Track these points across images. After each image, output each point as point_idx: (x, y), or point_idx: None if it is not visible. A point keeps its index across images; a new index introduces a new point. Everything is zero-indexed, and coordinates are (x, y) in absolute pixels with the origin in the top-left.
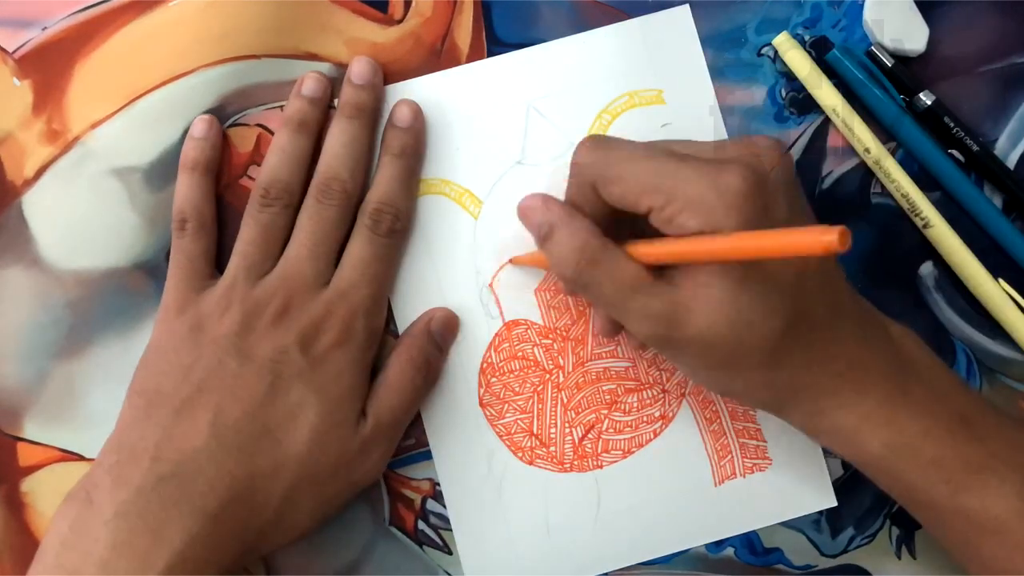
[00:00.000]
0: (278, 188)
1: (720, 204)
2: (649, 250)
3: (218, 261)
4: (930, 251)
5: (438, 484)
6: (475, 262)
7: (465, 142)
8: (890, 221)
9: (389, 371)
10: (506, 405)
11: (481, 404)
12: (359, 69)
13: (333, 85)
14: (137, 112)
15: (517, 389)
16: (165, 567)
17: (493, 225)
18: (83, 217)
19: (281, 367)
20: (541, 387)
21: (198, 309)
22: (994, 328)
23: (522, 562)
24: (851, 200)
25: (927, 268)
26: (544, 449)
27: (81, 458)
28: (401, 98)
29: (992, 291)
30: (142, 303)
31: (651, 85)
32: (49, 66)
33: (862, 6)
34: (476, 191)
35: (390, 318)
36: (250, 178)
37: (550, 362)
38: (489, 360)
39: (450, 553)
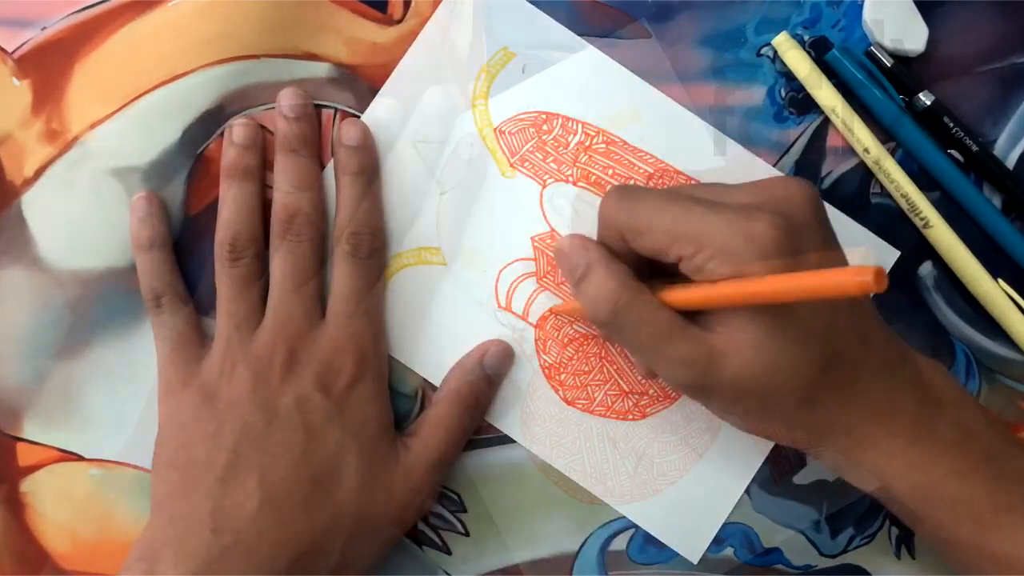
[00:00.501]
0: (242, 240)
1: (750, 252)
2: (681, 296)
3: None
4: (930, 251)
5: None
6: (472, 298)
7: (394, 203)
8: (890, 221)
9: (437, 408)
10: (589, 388)
11: (568, 402)
12: (288, 101)
13: (262, 129)
14: (137, 112)
15: (586, 368)
16: None
17: (462, 257)
18: (82, 217)
19: (308, 416)
20: (603, 352)
21: (202, 378)
22: (994, 328)
23: None
24: (851, 200)
25: (927, 268)
26: (646, 396)
27: (80, 458)
28: (348, 119)
29: (992, 291)
30: (142, 303)
31: (493, 50)
32: (48, 66)
33: (862, 6)
34: (427, 243)
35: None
36: None
37: (593, 329)
38: (546, 363)
39: (450, 553)
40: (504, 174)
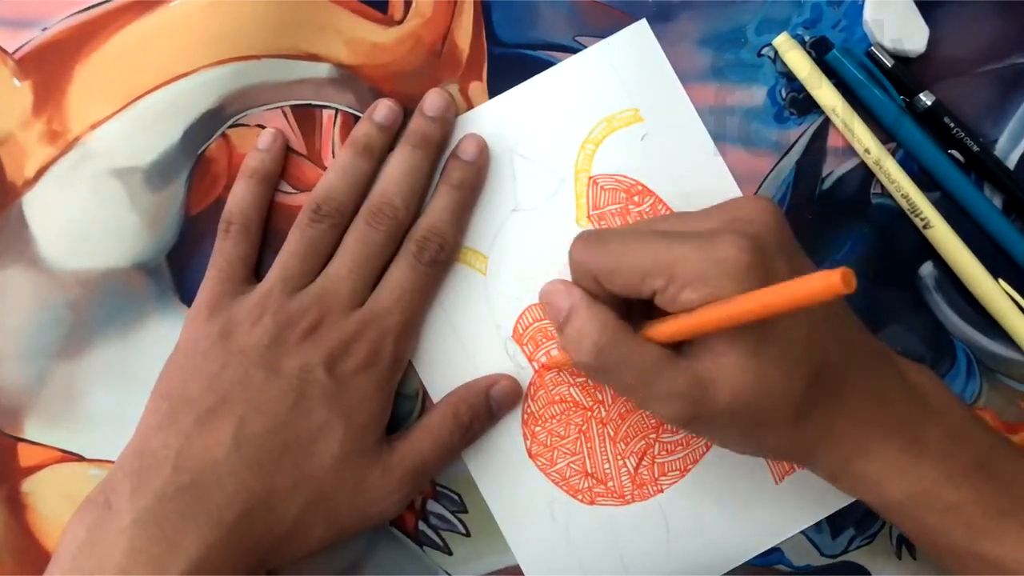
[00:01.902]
0: (330, 206)
1: (721, 277)
2: (663, 329)
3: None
4: (930, 251)
5: (439, 485)
6: (493, 317)
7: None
8: (890, 221)
9: (432, 417)
10: (555, 451)
11: (530, 455)
12: (433, 101)
13: (405, 115)
14: (137, 112)
15: (562, 433)
16: (181, 575)
17: (503, 276)
18: (83, 217)
19: (306, 385)
20: (585, 426)
21: (230, 314)
22: (994, 328)
23: None
24: (851, 200)
25: (927, 268)
26: (603, 486)
27: (81, 458)
28: (470, 133)
29: (992, 291)
30: (142, 303)
31: (626, 106)
32: (49, 67)
33: (862, 6)
34: (479, 247)
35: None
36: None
37: (589, 399)
38: (528, 410)
39: (450, 554)
40: (578, 221)
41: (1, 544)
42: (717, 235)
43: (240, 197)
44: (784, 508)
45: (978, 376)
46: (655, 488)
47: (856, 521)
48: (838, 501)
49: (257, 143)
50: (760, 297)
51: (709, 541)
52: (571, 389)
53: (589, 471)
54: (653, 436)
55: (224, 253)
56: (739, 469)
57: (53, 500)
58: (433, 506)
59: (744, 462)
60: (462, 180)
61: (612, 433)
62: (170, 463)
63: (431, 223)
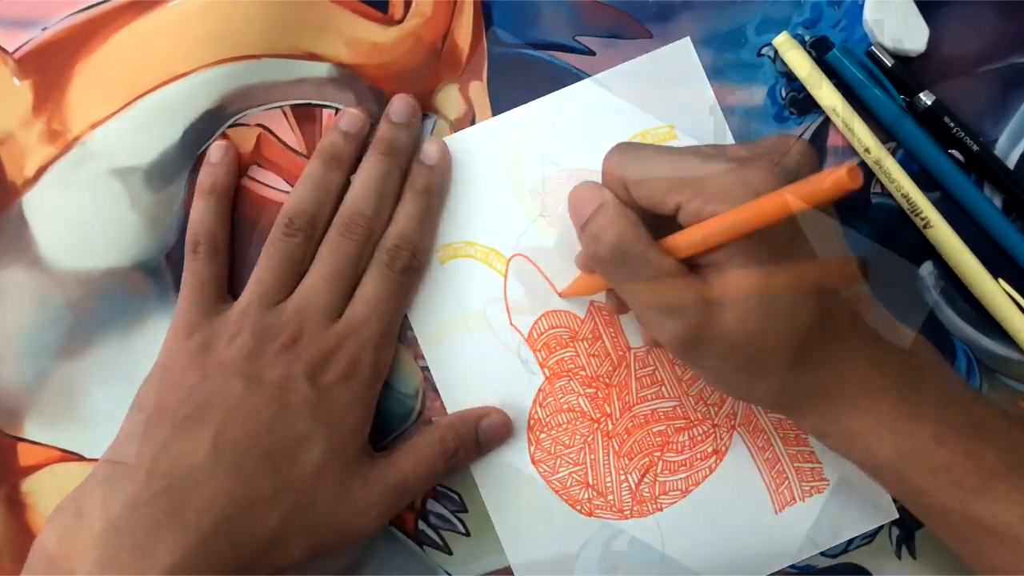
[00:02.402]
0: (302, 219)
1: (747, 196)
2: (681, 239)
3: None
4: (930, 251)
5: (439, 485)
6: (509, 319)
7: (485, 201)
8: (890, 221)
9: (418, 441)
10: (559, 460)
11: (533, 462)
12: (399, 107)
13: (373, 121)
14: (137, 112)
15: (567, 442)
16: None
17: (522, 280)
18: (83, 217)
19: (288, 395)
20: (591, 437)
21: (208, 331)
22: (994, 328)
23: None
24: (851, 200)
25: (927, 268)
26: (602, 499)
27: (81, 458)
28: (432, 137)
29: (992, 291)
30: (142, 303)
31: (663, 121)
32: (49, 66)
33: (862, 6)
34: (501, 249)
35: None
36: (250, 178)
37: (597, 411)
38: (536, 416)
39: (450, 553)
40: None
41: (1, 544)
42: (750, 160)
43: (202, 216)
44: (781, 538)
45: (978, 376)
46: (654, 506)
47: None
48: (835, 535)
49: (208, 157)
50: (771, 200)
51: (703, 564)
52: (580, 399)
53: (590, 483)
54: (658, 454)
55: (196, 273)
56: (741, 495)
57: (53, 500)
58: (433, 506)
59: (746, 488)
60: (427, 185)
61: (617, 447)
62: (144, 469)
63: (400, 231)
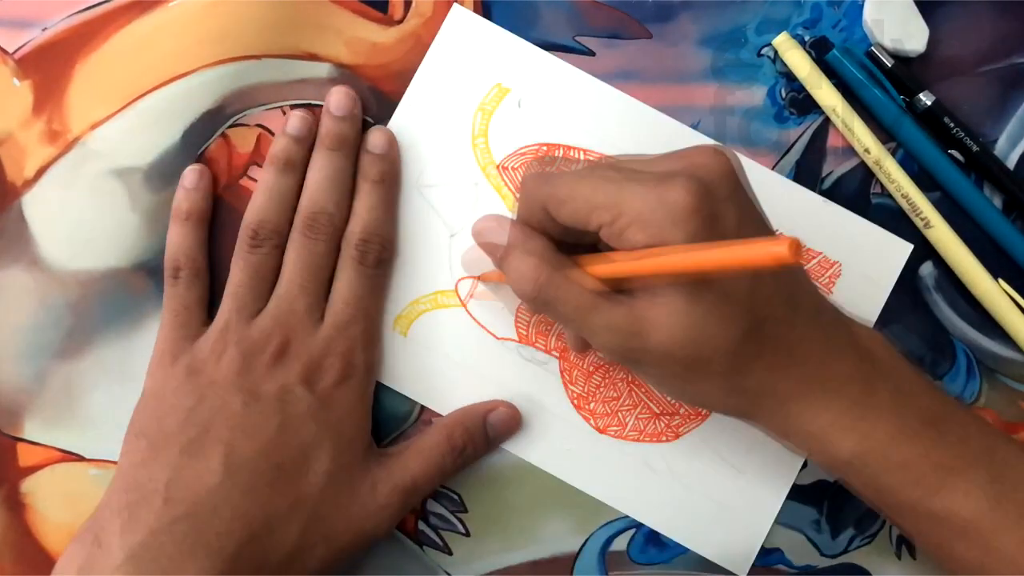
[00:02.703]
0: (267, 229)
1: (667, 219)
2: (602, 268)
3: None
4: (930, 251)
5: (439, 485)
6: (494, 340)
7: (401, 251)
8: (890, 221)
9: (426, 440)
10: (619, 414)
11: (602, 431)
12: (339, 100)
13: (319, 122)
14: (137, 112)
15: (615, 395)
16: None
17: (483, 300)
18: (83, 217)
19: (288, 406)
20: (630, 376)
21: (194, 355)
22: (994, 328)
23: None
24: (851, 200)
25: (927, 268)
26: (678, 416)
27: (81, 458)
28: (375, 126)
29: (992, 291)
30: (142, 303)
31: (487, 86)
32: (49, 66)
33: (862, 6)
34: (442, 286)
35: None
36: (250, 179)
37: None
38: (574, 393)
39: (450, 553)
40: (512, 210)
41: (1, 544)
42: (669, 177)
43: (181, 241)
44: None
45: (978, 376)
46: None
47: (856, 521)
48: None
49: (183, 182)
50: (702, 253)
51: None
52: (598, 355)
53: (657, 411)
54: None
55: (177, 298)
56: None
57: (53, 500)
58: (433, 506)
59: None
60: (381, 174)
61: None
62: (160, 495)
63: (364, 225)
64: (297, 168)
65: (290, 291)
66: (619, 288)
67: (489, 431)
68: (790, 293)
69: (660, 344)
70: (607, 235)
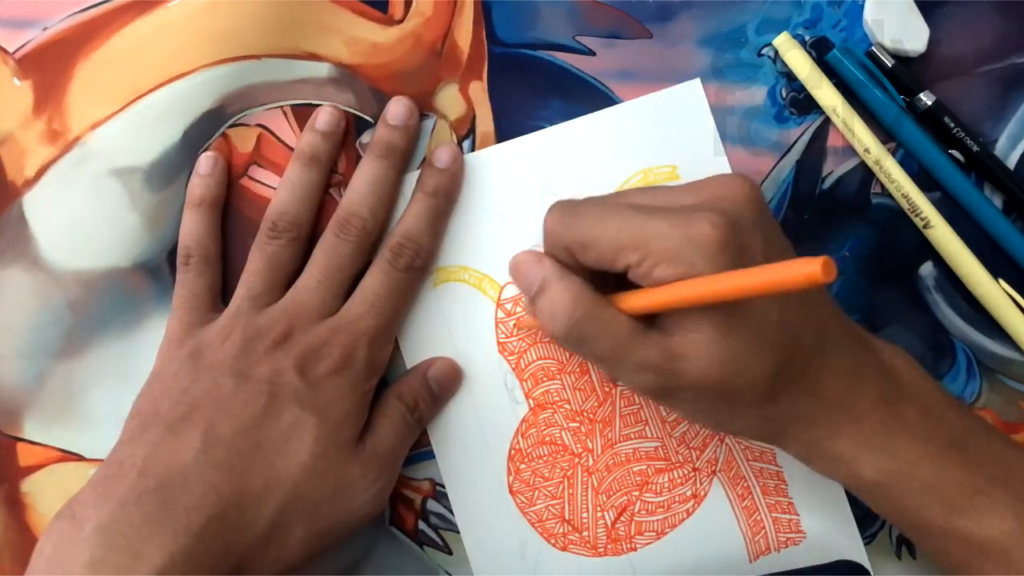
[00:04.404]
0: (286, 221)
1: (695, 255)
2: (635, 302)
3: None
4: (930, 251)
5: (439, 484)
6: (497, 347)
7: (482, 226)
8: (890, 221)
9: (382, 406)
10: (536, 491)
11: (511, 491)
12: (396, 110)
13: (349, 119)
14: (137, 112)
15: (547, 475)
16: None
17: (514, 308)
18: (84, 217)
19: (277, 388)
20: (571, 471)
21: (200, 339)
22: (994, 328)
23: None
24: (851, 200)
25: (927, 268)
26: (577, 534)
27: (81, 458)
28: (445, 143)
29: (992, 291)
30: (142, 303)
31: (665, 161)
32: (49, 66)
33: (862, 6)
34: (495, 276)
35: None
36: (250, 178)
37: (579, 446)
38: (517, 446)
39: (450, 553)
40: None
41: (1, 544)
42: (693, 212)
43: (193, 227)
44: None
45: (978, 376)
46: (629, 546)
47: (856, 521)
48: None
49: (198, 168)
50: (735, 278)
51: None
52: (563, 432)
53: (567, 517)
54: (636, 493)
55: (188, 285)
56: (715, 541)
57: (52, 500)
58: (433, 506)
59: (723, 535)
60: (437, 187)
61: (596, 483)
62: (136, 469)
63: (406, 229)
64: (321, 163)
65: (308, 285)
66: (651, 324)
67: (433, 386)
68: (817, 320)
69: (694, 378)
70: (635, 275)
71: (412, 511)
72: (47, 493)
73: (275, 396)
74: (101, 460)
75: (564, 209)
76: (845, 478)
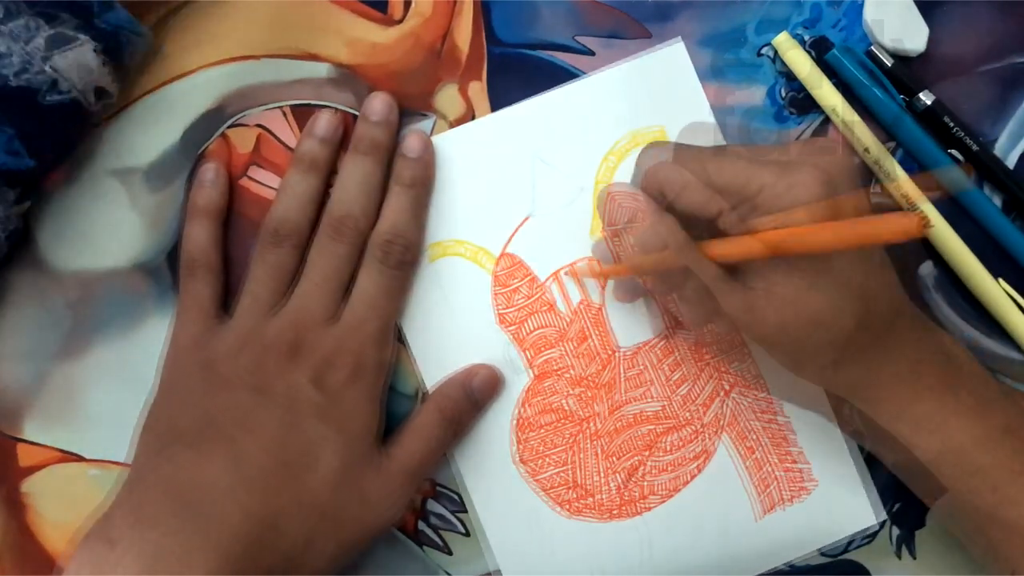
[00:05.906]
0: (287, 228)
1: (794, 202)
2: (724, 249)
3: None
4: (930, 251)
5: (439, 484)
6: (496, 318)
7: (475, 199)
8: None
9: (418, 418)
10: (544, 459)
11: (521, 461)
12: (375, 106)
13: (347, 120)
14: (137, 112)
15: (553, 442)
16: None
17: (511, 280)
18: (83, 217)
19: (296, 403)
20: (578, 437)
21: (209, 350)
22: (994, 328)
23: None
24: None
25: (927, 268)
26: (588, 499)
27: (81, 459)
28: (412, 129)
29: (992, 291)
30: (142, 303)
31: (653, 123)
32: None
33: (862, 6)
34: (490, 248)
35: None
36: (250, 178)
37: (584, 411)
38: (523, 416)
39: (450, 553)
40: (592, 233)
41: (1, 544)
42: (795, 165)
43: (197, 236)
44: (763, 544)
45: None
46: (641, 507)
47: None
48: (815, 542)
49: (201, 178)
50: (835, 229)
51: (685, 565)
52: (567, 399)
53: (577, 482)
54: (645, 454)
55: (193, 294)
56: (723, 500)
57: (52, 500)
58: (433, 506)
59: (730, 492)
60: (414, 178)
61: (604, 447)
62: (161, 489)
63: (391, 226)
64: (321, 169)
65: (309, 291)
66: (734, 274)
67: (476, 396)
68: (891, 296)
69: (772, 332)
70: (726, 221)
71: (412, 511)
72: (47, 493)
73: (295, 412)
74: (101, 460)
75: (661, 150)
76: (897, 457)
